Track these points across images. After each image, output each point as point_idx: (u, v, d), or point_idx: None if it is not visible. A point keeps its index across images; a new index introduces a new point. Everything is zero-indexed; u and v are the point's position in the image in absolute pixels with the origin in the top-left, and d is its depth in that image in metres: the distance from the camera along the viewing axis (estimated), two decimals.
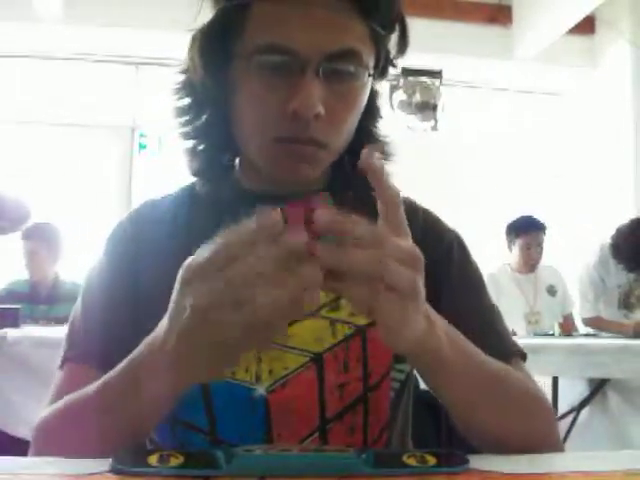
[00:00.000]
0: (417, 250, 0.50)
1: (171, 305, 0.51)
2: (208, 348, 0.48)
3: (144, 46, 4.03)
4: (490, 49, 4.40)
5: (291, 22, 0.64)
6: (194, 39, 0.71)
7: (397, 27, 0.71)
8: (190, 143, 0.75)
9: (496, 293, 3.26)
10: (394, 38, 0.72)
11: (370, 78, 0.69)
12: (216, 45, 0.69)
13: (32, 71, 4.16)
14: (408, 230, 0.51)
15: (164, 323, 0.52)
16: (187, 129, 0.75)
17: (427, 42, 4.28)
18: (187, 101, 0.74)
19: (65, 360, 0.73)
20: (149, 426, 0.60)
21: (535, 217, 3.49)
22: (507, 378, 0.66)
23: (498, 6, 4.39)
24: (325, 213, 0.47)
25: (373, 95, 0.75)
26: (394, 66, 0.75)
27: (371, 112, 0.76)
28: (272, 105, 0.66)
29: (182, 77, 0.74)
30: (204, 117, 0.74)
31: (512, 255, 3.52)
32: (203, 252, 0.48)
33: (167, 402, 0.56)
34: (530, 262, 3.45)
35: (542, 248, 3.47)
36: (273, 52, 0.64)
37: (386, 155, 0.78)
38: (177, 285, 0.50)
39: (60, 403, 0.65)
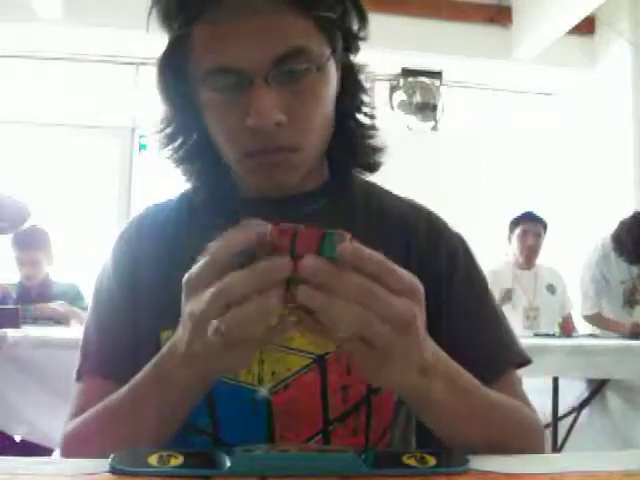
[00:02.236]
0: (410, 310, 0.49)
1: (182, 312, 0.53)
2: (210, 351, 0.50)
3: (144, 46, 4.03)
4: (490, 49, 4.40)
5: (227, 40, 0.63)
6: (156, 69, 0.71)
7: (347, 2, 0.69)
8: (184, 166, 0.76)
9: (496, 289, 3.28)
10: (350, 14, 0.70)
11: (329, 67, 0.68)
12: (172, 74, 0.69)
13: (32, 71, 4.16)
14: (411, 285, 0.50)
15: (178, 329, 0.54)
16: (177, 155, 0.75)
17: (427, 42, 4.29)
18: (170, 130, 0.75)
19: (82, 373, 0.73)
20: (170, 429, 0.60)
21: (533, 213, 3.51)
22: (501, 410, 0.65)
23: (498, 7, 4.40)
24: (317, 264, 0.46)
25: (349, 71, 0.73)
26: (362, 39, 0.73)
27: (351, 90, 0.74)
28: (233, 123, 0.66)
29: (162, 108, 0.74)
30: (190, 142, 0.75)
31: (512, 250, 3.53)
32: (199, 262, 0.50)
33: (187, 403, 0.58)
34: (527, 251, 3.44)
35: (540, 241, 3.47)
36: (220, 74, 0.64)
37: (376, 130, 0.77)
38: (183, 290, 0.52)
39: (84, 416, 0.66)
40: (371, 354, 0.49)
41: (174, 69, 0.69)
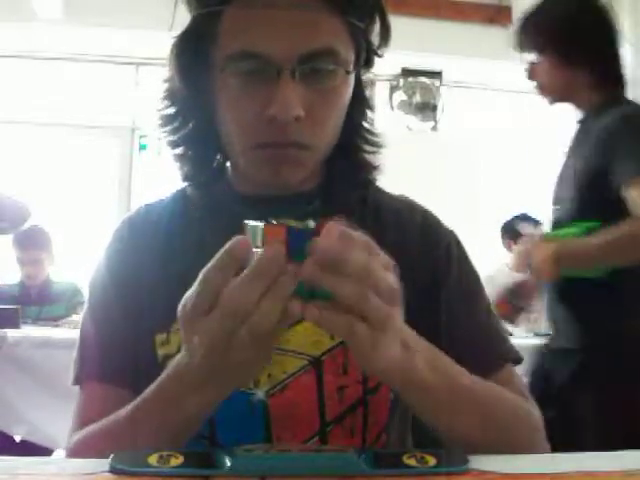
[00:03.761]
0: (396, 285, 0.50)
1: (183, 344, 0.53)
2: (226, 372, 0.51)
3: (144, 46, 4.03)
4: (490, 50, 4.39)
5: (261, 27, 0.63)
6: (172, 48, 0.71)
7: (376, 16, 0.70)
8: (179, 150, 0.75)
9: (494, 293, 3.27)
10: (375, 28, 0.71)
11: (352, 74, 0.68)
12: (191, 54, 0.69)
13: (32, 71, 4.16)
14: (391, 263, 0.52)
15: (182, 354, 0.54)
16: (174, 137, 0.75)
17: (427, 42, 4.29)
18: (172, 110, 0.74)
19: (82, 378, 0.73)
20: (177, 445, 0.60)
21: (530, 214, 3.49)
22: (493, 399, 0.65)
23: (498, 7, 4.40)
24: (325, 241, 0.48)
25: (361, 87, 0.74)
26: (379, 56, 0.74)
27: (359, 104, 0.75)
28: (251, 112, 0.65)
29: (166, 85, 0.74)
30: (190, 125, 0.74)
31: (511, 254, 3.51)
32: (193, 291, 0.50)
33: (195, 421, 0.58)
34: None
35: None
36: (246, 59, 0.64)
37: (377, 147, 0.78)
38: (180, 325, 0.52)
39: (88, 433, 0.66)
40: (366, 334, 0.49)
41: (194, 49, 0.68)
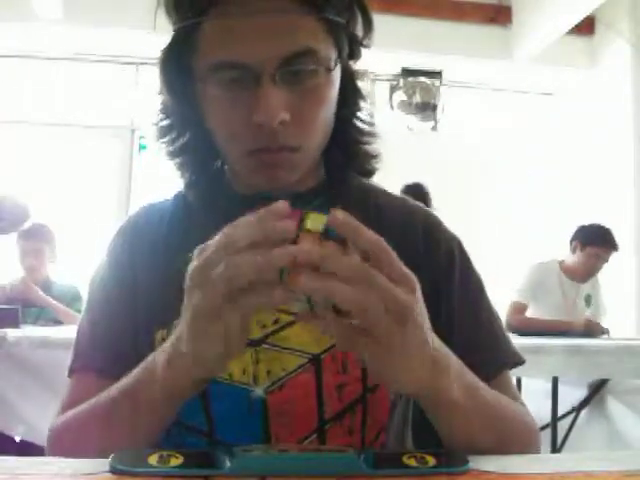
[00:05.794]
0: (408, 302, 0.49)
1: (183, 307, 0.52)
2: (216, 343, 0.50)
3: (144, 46, 4.03)
4: (490, 49, 4.40)
5: (237, 35, 0.63)
6: (158, 62, 0.71)
7: (355, 8, 0.70)
8: (178, 160, 0.76)
9: (539, 285, 3.26)
10: (357, 19, 0.71)
11: (335, 70, 0.68)
12: (175, 68, 0.70)
13: (32, 71, 4.16)
14: (407, 276, 0.50)
15: (178, 326, 0.54)
16: (172, 148, 0.76)
17: (427, 42, 4.29)
18: (167, 122, 0.75)
19: (73, 369, 0.73)
20: (160, 428, 0.60)
21: (613, 233, 3.33)
22: (506, 413, 0.66)
23: (498, 6, 4.40)
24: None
25: (351, 78, 0.74)
26: (365, 46, 0.74)
27: (351, 96, 0.75)
28: (237, 120, 0.66)
29: (160, 98, 0.75)
30: (186, 135, 0.75)
31: (571, 257, 3.38)
32: (203, 251, 0.49)
33: (179, 401, 0.58)
34: (591, 272, 3.35)
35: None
36: (226, 69, 0.64)
37: (372, 137, 0.78)
38: (186, 286, 0.51)
39: (73, 412, 0.66)
40: (373, 348, 0.49)
41: (178, 61, 0.69)
